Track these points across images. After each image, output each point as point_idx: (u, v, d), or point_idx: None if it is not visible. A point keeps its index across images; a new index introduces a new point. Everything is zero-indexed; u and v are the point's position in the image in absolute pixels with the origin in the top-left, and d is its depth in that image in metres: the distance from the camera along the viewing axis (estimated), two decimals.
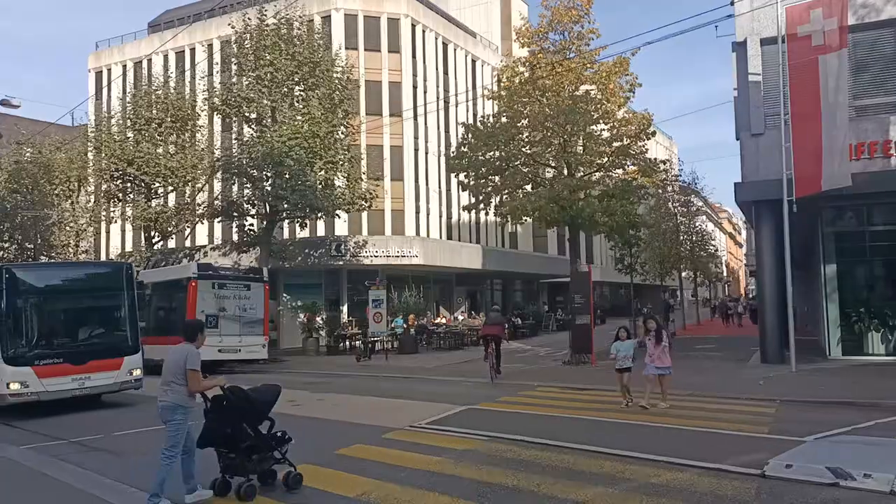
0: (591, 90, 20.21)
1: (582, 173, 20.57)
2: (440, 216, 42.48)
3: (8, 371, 12.91)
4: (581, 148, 20.17)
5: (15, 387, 12.80)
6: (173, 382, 6.65)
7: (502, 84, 21.70)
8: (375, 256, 32.48)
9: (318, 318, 32.08)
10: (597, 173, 20.94)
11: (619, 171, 21.19)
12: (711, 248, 43.47)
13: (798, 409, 11.42)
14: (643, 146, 20.72)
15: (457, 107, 42.65)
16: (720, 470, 7.31)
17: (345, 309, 34.78)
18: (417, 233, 38.73)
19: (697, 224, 40.08)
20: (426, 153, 41.05)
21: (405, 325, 29.14)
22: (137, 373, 14.39)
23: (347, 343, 30.33)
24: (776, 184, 16.15)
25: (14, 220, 32.45)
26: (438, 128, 42.36)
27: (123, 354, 14.21)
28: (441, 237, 41.00)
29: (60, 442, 10.62)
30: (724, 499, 6.35)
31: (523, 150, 20.66)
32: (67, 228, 33.26)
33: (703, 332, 34.93)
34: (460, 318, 38.07)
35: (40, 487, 7.87)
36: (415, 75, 40.08)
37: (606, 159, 20.25)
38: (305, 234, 34.81)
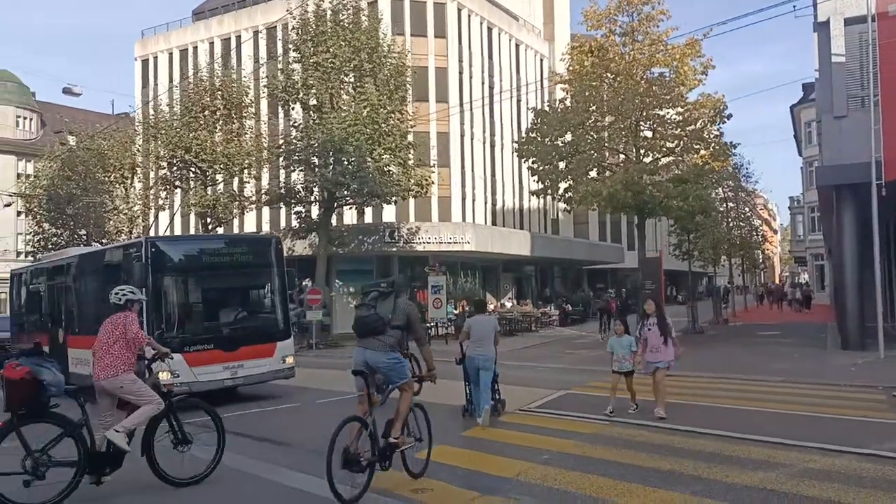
0: (664, 72, 19.88)
1: (651, 158, 20.29)
2: (485, 202, 42.39)
3: None
4: (651, 132, 19.88)
5: (164, 376, 10.78)
6: (485, 342, 9.82)
7: (570, 68, 21.42)
8: (428, 243, 32.44)
9: None
10: (666, 158, 20.63)
11: (691, 155, 20.85)
12: (759, 235, 42.89)
13: None
14: (717, 129, 20.38)
15: (501, 93, 42.37)
16: (875, 455, 7.18)
17: None
18: (464, 219, 38.68)
19: (747, 210, 39.51)
20: (472, 139, 40.92)
21: (456, 312, 29.16)
22: (290, 360, 12.87)
23: None
24: (860, 167, 15.78)
25: (67, 206, 32.90)
26: (484, 114, 42.16)
27: (275, 339, 12.65)
28: (486, 223, 40.91)
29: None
30: None
31: (591, 134, 20.41)
32: (122, 215, 33.70)
33: (758, 319, 34.52)
34: (507, 304, 38.01)
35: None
36: (460, 60, 39.89)
37: (677, 143, 19.93)
38: (352, 220, 34.95)
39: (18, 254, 51.72)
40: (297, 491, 6.46)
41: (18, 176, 52.09)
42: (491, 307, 35.48)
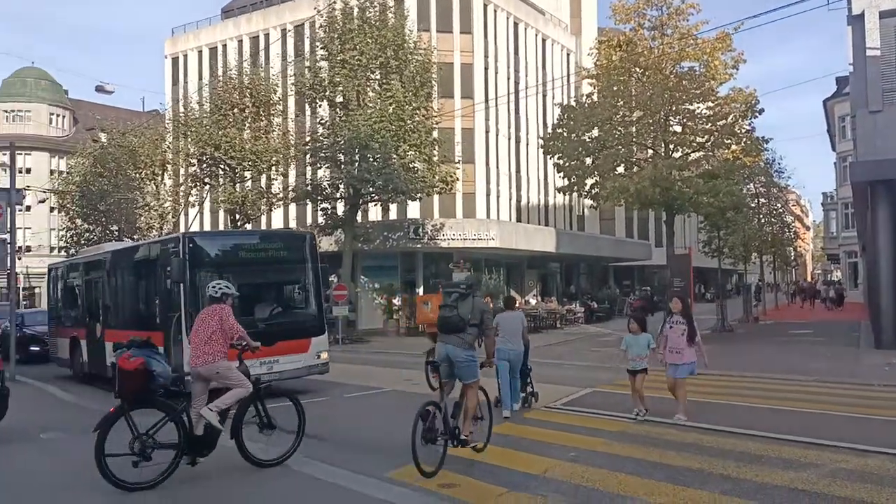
0: (694, 66, 19.64)
1: (680, 153, 20.06)
2: (510, 199, 42.29)
3: None
4: (680, 127, 19.65)
5: None
6: (513, 337, 10.18)
7: (598, 63, 21.25)
8: (452, 239, 32.44)
9: (395, 300, 32.38)
10: (695, 153, 20.39)
11: (722, 150, 20.58)
12: (791, 232, 42.23)
13: None
14: (749, 124, 20.09)
15: (527, 88, 42.20)
16: None
17: (420, 291, 34.92)
18: (488, 215, 38.64)
19: (779, 206, 38.91)
20: (497, 135, 40.84)
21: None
22: (325, 356, 12.83)
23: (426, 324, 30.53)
24: None
25: (99, 203, 33.44)
26: (509, 110, 42.04)
27: (311, 335, 12.59)
28: (511, 220, 40.81)
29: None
30: None
31: (619, 129, 20.24)
32: (153, 211, 34.19)
33: (789, 317, 34.01)
34: (532, 301, 37.89)
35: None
36: (486, 56, 39.82)
37: (708, 138, 19.68)
38: (377, 216, 35.09)
39: (52, 249, 52.77)
40: (330, 484, 6.54)
41: (52, 172, 53.11)
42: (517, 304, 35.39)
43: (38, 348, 20.00)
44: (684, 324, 9.17)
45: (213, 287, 7.33)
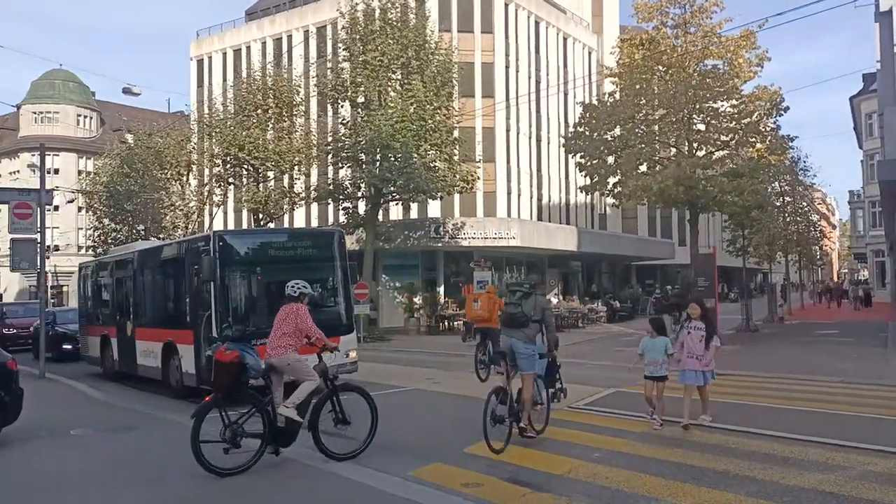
0: (718, 64, 19.47)
1: (704, 151, 19.90)
2: (531, 197, 42.20)
3: None
4: (703, 125, 19.49)
5: None
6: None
7: (620, 61, 21.15)
8: (473, 238, 32.47)
9: (416, 299, 32.49)
10: (720, 151, 20.22)
11: (747, 149, 20.37)
12: (817, 230, 41.68)
13: None
14: (774, 122, 19.88)
15: (548, 87, 42.07)
16: None
17: (441, 290, 35.00)
18: (509, 214, 38.58)
19: (804, 205, 38.44)
20: (518, 134, 40.76)
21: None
22: (353, 354, 12.74)
23: (447, 323, 30.63)
24: None
25: (126, 203, 33.92)
26: (530, 109, 41.93)
27: (339, 334, 12.28)
28: (532, 219, 40.72)
29: None
30: None
31: (642, 127, 20.13)
32: (178, 211, 34.62)
33: (815, 317, 33.57)
34: (553, 300, 37.77)
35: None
36: (507, 55, 39.75)
37: (732, 136, 19.50)
38: (398, 215, 35.19)
39: (79, 248, 53.61)
40: (353, 482, 6.61)
41: (79, 173, 53.99)
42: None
43: (70, 346, 20.18)
44: (703, 329, 8.78)
45: (292, 287, 7.78)
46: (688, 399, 8.69)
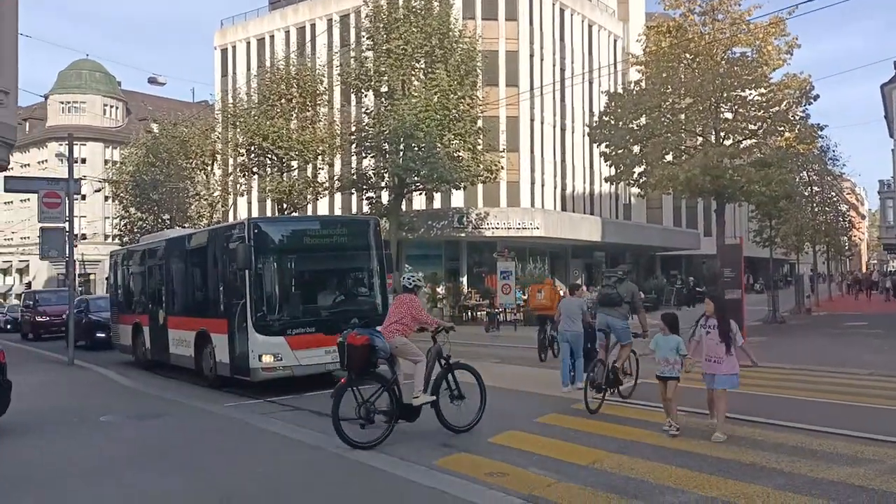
0: (746, 52, 19.15)
1: (732, 140, 19.62)
2: (555, 187, 41.98)
3: (259, 341, 11.21)
4: (731, 114, 19.21)
5: (268, 359, 11.17)
6: (573, 320, 11.03)
7: (647, 49, 20.89)
8: (496, 228, 32.43)
9: (439, 289, 32.53)
10: (747, 140, 19.92)
11: (775, 137, 20.05)
12: (846, 221, 41.01)
13: None
14: (803, 111, 19.53)
15: (573, 76, 41.73)
16: None
17: (464, 280, 35.03)
18: (532, 204, 38.44)
19: (833, 195, 37.80)
20: (542, 123, 40.52)
21: (524, 298, 29.05)
22: None
23: (470, 313, 30.67)
24: None
25: (152, 192, 34.31)
26: (554, 97, 41.64)
27: (376, 323, 11.90)
28: (555, 209, 40.53)
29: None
30: None
31: (668, 116, 19.89)
32: (203, 200, 34.96)
33: (844, 309, 33.06)
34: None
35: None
36: (531, 43, 39.48)
37: (760, 125, 19.20)
38: (422, 205, 35.21)
39: (106, 237, 54.43)
40: (378, 470, 6.66)
41: (106, 162, 54.71)
42: (561, 293, 35.17)
43: (103, 335, 20.13)
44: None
45: (408, 279, 8.47)
46: (720, 405, 7.77)
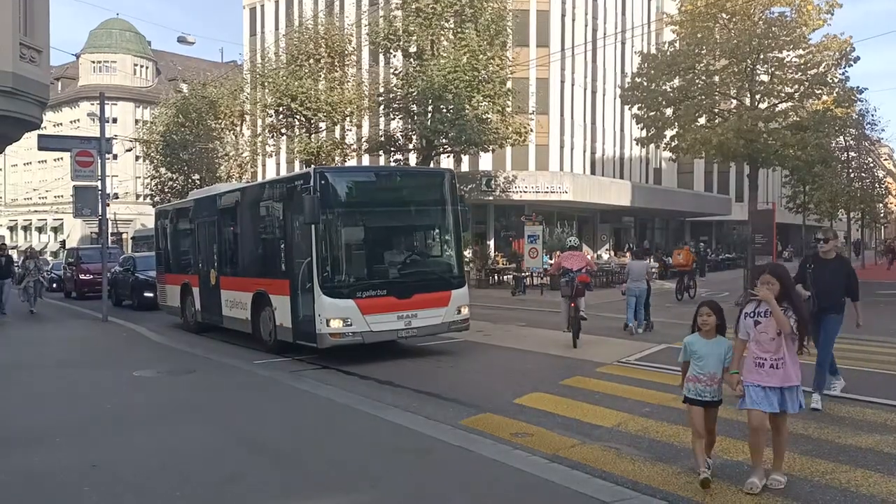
0: (785, 11, 18.56)
1: (767, 103, 19.15)
2: (584, 151, 41.47)
3: (327, 304, 10.16)
4: (767, 76, 18.71)
5: (336, 324, 10.16)
6: (640, 280, 13.88)
7: (682, 8, 20.34)
8: (525, 192, 32.20)
9: (466, 252, 32.49)
10: (783, 104, 19.42)
11: (812, 101, 19.53)
12: (882, 188, 40.02)
13: None
14: (842, 73, 18.95)
15: (605, 36, 40.85)
16: None
17: (491, 243, 34.99)
18: (561, 168, 38.03)
19: (870, 161, 36.85)
20: (573, 85, 39.87)
21: (551, 262, 28.96)
22: (465, 311, 11.43)
23: (496, 277, 30.70)
24: None
25: (182, 152, 34.56)
26: (586, 59, 40.86)
27: (451, 287, 11.28)
28: (585, 172, 40.10)
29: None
30: None
31: (702, 78, 19.44)
32: (232, 161, 35.18)
33: (876, 277, 32.44)
34: (605, 256, 37.38)
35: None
36: (563, 2, 38.62)
37: (797, 88, 18.68)
38: (450, 167, 35.02)
39: (137, 197, 55.21)
40: (404, 428, 6.75)
41: (136, 122, 55.21)
42: (589, 257, 35.02)
43: (151, 294, 19.14)
44: (792, 315, 5.08)
45: (574, 240, 11.49)
46: (758, 437, 5.11)
